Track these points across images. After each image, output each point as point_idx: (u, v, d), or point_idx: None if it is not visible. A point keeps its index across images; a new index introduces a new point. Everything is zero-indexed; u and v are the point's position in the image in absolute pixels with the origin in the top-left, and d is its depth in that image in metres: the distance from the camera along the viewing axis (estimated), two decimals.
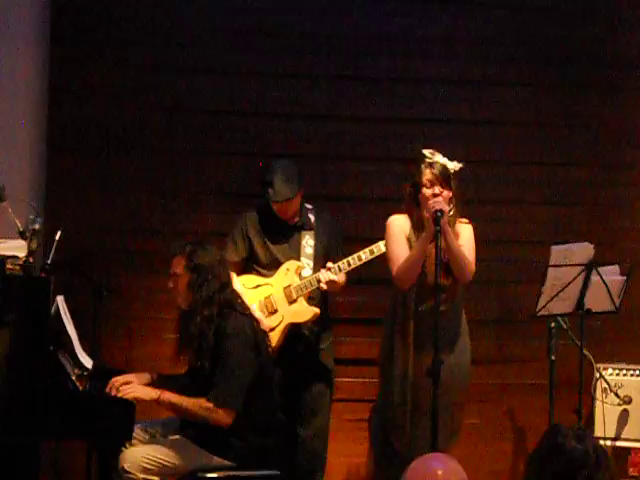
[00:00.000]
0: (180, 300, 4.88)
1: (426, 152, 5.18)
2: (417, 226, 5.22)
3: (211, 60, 6.36)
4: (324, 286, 5.48)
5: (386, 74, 6.49)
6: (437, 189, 5.11)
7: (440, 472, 2.61)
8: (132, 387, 4.71)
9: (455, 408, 5.23)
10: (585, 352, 5.76)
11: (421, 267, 5.16)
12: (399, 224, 5.27)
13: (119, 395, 4.64)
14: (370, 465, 5.85)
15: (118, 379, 4.81)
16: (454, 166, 5.16)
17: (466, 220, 5.31)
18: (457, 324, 5.26)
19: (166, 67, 6.34)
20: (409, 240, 5.23)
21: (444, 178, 5.12)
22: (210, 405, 4.66)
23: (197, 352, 4.77)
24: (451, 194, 5.16)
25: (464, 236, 5.24)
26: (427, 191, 5.13)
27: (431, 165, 5.14)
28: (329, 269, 5.47)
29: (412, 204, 5.24)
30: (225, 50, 6.37)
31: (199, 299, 4.77)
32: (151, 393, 4.72)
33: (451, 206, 5.15)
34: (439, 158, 5.15)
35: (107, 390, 4.73)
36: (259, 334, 4.94)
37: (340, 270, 5.49)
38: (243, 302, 5.01)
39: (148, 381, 4.90)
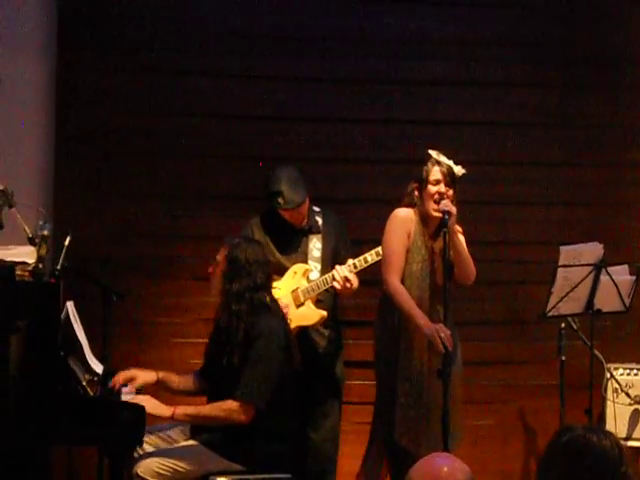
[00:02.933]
0: (213, 286, 4.91)
1: (432, 152, 5.21)
2: (422, 222, 5.24)
3: (216, 64, 6.36)
4: (338, 285, 5.45)
5: (390, 76, 6.50)
6: (443, 187, 5.13)
7: (445, 469, 2.61)
8: (147, 401, 4.66)
9: (455, 407, 5.22)
10: (595, 352, 5.76)
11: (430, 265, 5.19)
12: (403, 217, 5.27)
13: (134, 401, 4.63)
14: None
15: (121, 374, 4.81)
16: (458, 170, 5.19)
17: (459, 229, 5.31)
18: (453, 323, 5.27)
19: (172, 71, 6.35)
20: (410, 235, 5.23)
21: (450, 178, 5.15)
22: (232, 405, 4.67)
23: (225, 346, 4.79)
24: (454, 194, 5.18)
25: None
26: (433, 188, 5.16)
27: (439, 163, 5.17)
28: (342, 266, 5.45)
29: (413, 201, 5.25)
30: (230, 54, 6.37)
31: (228, 292, 4.80)
32: (165, 411, 4.71)
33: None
34: (444, 159, 5.18)
35: (110, 386, 4.73)
36: (292, 341, 4.96)
37: (356, 267, 5.47)
38: (279, 307, 5.03)
39: (153, 379, 4.92)
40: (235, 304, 4.78)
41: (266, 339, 4.73)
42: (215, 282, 4.90)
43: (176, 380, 5.03)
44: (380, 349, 5.36)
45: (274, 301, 4.99)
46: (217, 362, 4.86)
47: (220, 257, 4.90)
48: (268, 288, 4.98)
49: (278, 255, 5.61)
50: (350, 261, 5.50)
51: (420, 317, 5.07)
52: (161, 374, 4.97)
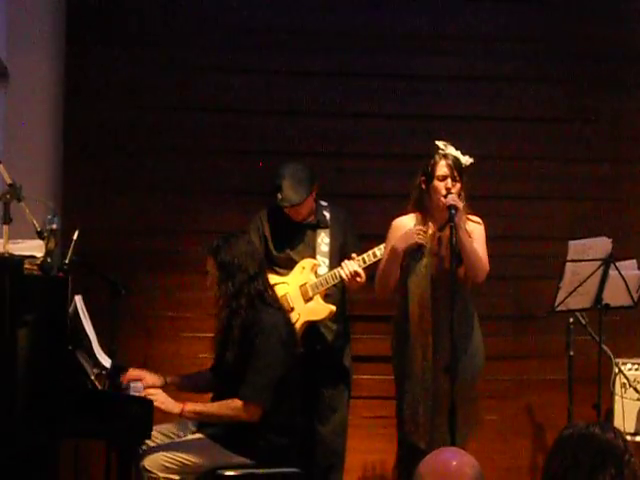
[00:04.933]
0: (216, 296, 4.89)
1: (439, 143, 5.20)
2: (425, 218, 5.23)
3: (224, 59, 6.37)
4: (346, 278, 5.42)
5: (400, 71, 6.50)
6: (449, 182, 5.11)
7: (454, 463, 2.62)
8: (156, 396, 4.67)
9: (469, 403, 5.21)
10: (604, 347, 5.75)
11: (436, 255, 5.20)
12: (400, 227, 5.26)
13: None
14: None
15: (130, 371, 4.84)
16: (465, 160, 5.17)
17: (478, 219, 5.29)
18: (469, 318, 5.25)
19: (182, 67, 6.36)
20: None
21: (457, 171, 5.14)
22: (238, 404, 4.67)
23: (223, 344, 4.79)
24: (461, 187, 5.17)
25: (475, 236, 5.22)
26: (440, 184, 5.14)
27: (445, 157, 5.15)
28: (352, 258, 5.44)
29: (421, 194, 5.24)
30: (240, 49, 6.38)
31: (226, 293, 4.79)
32: (174, 408, 4.70)
33: (462, 201, 5.15)
34: (452, 150, 5.17)
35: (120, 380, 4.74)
36: (293, 331, 4.96)
37: (365, 262, 5.46)
38: (275, 294, 5.01)
39: (160, 383, 4.90)
40: (235, 301, 4.77)
41: (266, 335, 4.72)
42: (215, 291, 4.89)
43: (186, 382, 5.03)
44: (393, 348, 5.37)
45: (271, 288, 4.98)
46: (222, 360, 4.86)
47: (210, 268, 4.89)
48: (263, 275, 4.96)
49: (286, 249, 5.62)
50: (355, 256, 5.48)
51: (392, 246, 5.14)
52: (169, 378, 4.96)
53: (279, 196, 5.50)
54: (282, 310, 4.99)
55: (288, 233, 5.65)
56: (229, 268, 4.80)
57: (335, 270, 5.51)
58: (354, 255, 5.46)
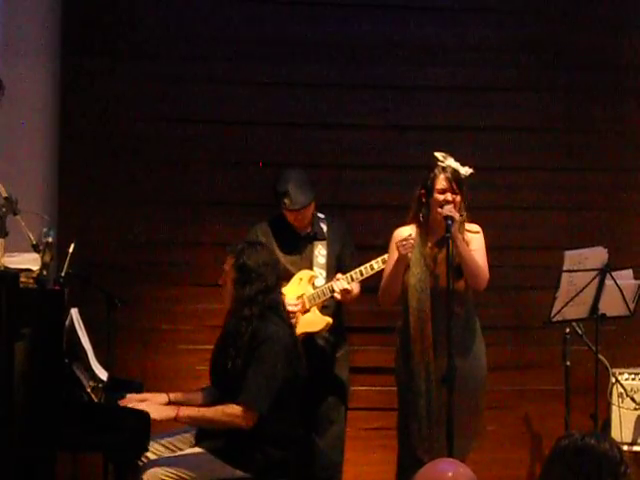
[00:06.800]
0: (225, 297, 4.89)
1: (439, 155, 5.20)
2: (424, 230, 5.23)
3: (220, 70, 6.38)
4: (338, 296, 5.46)
5: (396, 82, 6.50)
6: (449, 196, 5.12)
7: (450, 474, 2.61)
8: (147, 406, 4.66)
9: (471, 415, 5.20)
10: (600, 357, 5.74)
11: (431, 273, 5.20)
12: (396, 236, 5.27)
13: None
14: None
15: (134, 396, 4.80)
16: (465, 171, 5.18)
17: (476, 229, 5.30)
18: (471, 329, 5.26)
19: (177, 78, 6.36)
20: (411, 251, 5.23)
21: (456, 183, 5.14)
22: (235, 410, 4.65)
23: (231, 351, 4.78)
24: (461, 199, 5.18)
25: (474, 246, 5.24)
26: (439, 196, 5.15)
27: (444, 170, 5.15)
28: (339, 279, 5.46)
29: (420, 207, 5.25)
30: (235, 61, 6.38)
31: (240, 298, 4.79)
32: (168, 412, 4.68)
33: (461, 212, 5.16)
34: (451, 162, 5.17)
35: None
36: (298, 346, 4.96)
37: (352, 280, 5.48)
38: (286, 309, 5.03)
39: (165, 402, 4.88)
40: (247, 309, 4.77)
41: (271, 344, 4.71)
42: (226, 292, 4.88)
43: (188, 398, 5.01)
44: (396, 360, 5.37)
45: (282, 304, 4.99)
46: (223, 368, 4.85)
47: (227, 267, 4.88)
48: (279, 289, 4.99)
49: (283, 261, 5.61)
50: (341, 275, 5.50)
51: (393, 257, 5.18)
52: (172, 395, 4.94)
53: (287, 201, 5.50)
54: (291, 327, 4.99)
55: (285, 245, 5.66)
56: (249, 273, 4.79)
57: (327, 285, 5.51)
58: (339, 275, 5.48)
